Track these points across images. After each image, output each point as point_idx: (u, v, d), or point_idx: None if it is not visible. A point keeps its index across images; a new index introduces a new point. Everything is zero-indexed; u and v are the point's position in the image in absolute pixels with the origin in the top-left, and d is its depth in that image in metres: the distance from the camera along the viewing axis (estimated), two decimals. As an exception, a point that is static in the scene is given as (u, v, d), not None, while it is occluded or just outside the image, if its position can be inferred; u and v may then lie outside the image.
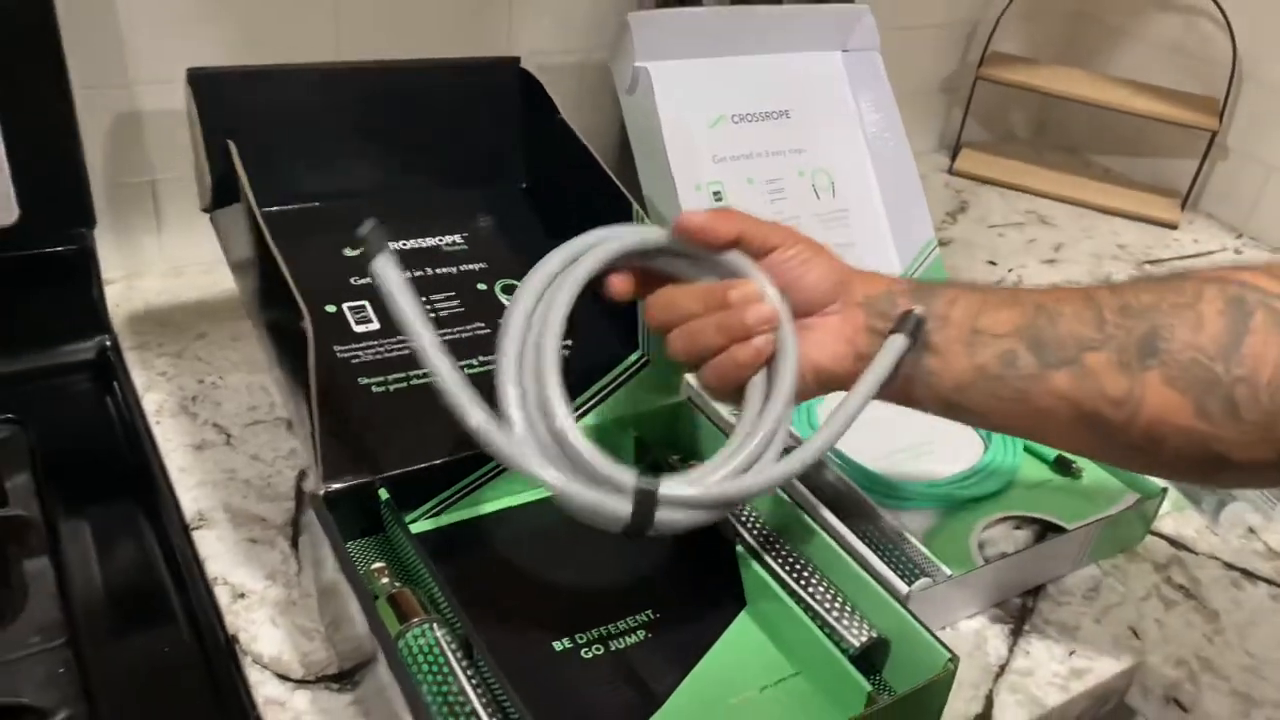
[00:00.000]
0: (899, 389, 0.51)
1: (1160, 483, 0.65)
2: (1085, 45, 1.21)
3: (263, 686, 0.50)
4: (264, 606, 0.54)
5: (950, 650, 0.47)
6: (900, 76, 1.05)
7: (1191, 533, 0.67)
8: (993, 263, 0.99)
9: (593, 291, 0.60)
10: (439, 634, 0.45)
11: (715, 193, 0.71)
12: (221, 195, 0.58)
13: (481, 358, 0.60)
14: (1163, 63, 1.13)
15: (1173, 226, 1.09)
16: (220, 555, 0.57)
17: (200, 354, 0.72)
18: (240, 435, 0.66)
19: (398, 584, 0.49)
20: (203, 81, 0.58)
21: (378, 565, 0.50)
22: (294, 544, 0.58)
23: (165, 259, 0.80)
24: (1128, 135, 1.17)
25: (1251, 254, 1.07)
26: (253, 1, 0.74)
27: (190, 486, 0.61)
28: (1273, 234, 1.08)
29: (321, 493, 0.51)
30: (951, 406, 0.51)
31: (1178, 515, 0.68)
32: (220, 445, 0.65)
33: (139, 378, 0.69)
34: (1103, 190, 1.14)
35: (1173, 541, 0.67)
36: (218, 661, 0.52)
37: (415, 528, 0.55)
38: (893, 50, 0.98)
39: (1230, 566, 0.65)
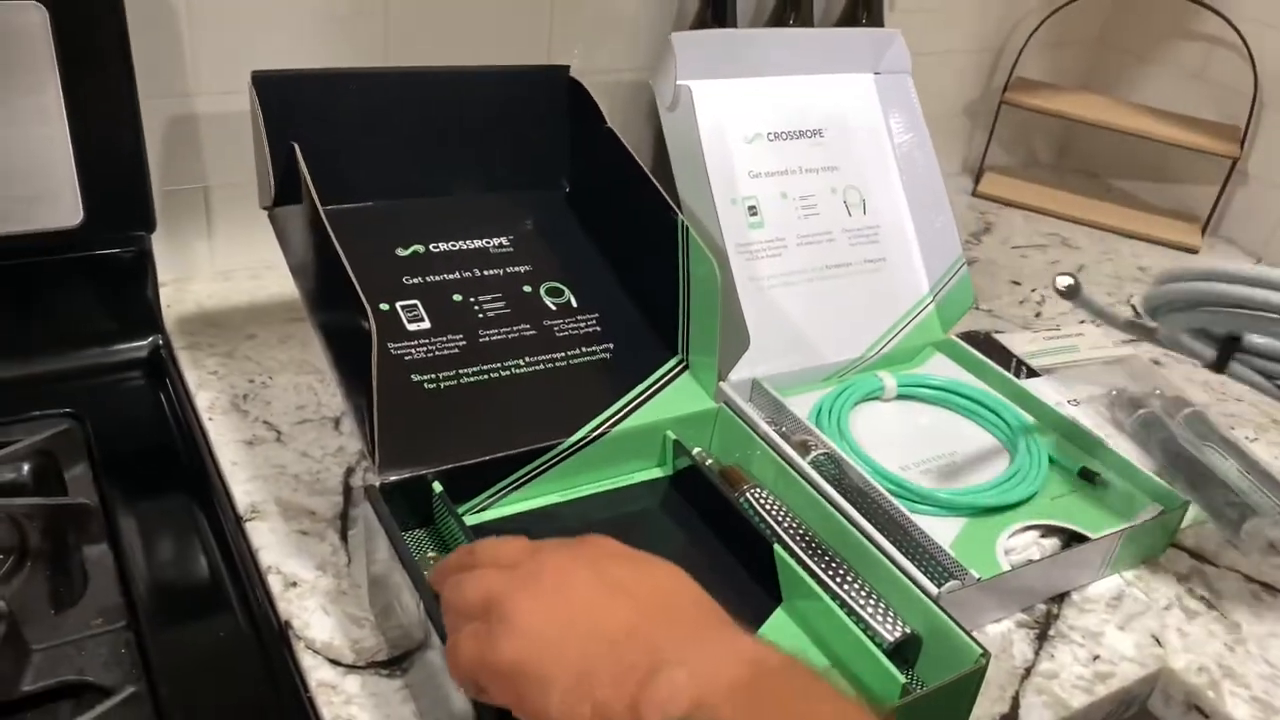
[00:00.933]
0: None
1: (1181, 495, 0.66)
2: (1108, 72, 1.23)
3: (316, 671, 0.52)
4: (315, 595, 0.56)
5: (982, 646, 0.48)
6: (925, 101, 1.07)
7: (1213, 546, 0.69)
8: (1016, 283, 1.00)
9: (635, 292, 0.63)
10: None
11: (750, 207, 0.73)
12: (283, 195, 0.60)
13: (528, 358, 0.62)
14: (1185, 90, 1.15)
15: (1193, 251, 1.11)
16: (272, 546, 0.59)
17: (250, 354, 0.75)
18: (290, 432, 0.68)
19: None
20: (266, 84, 0.60)
21: (431, 554, 0.53)
22: (343, 536, 0.60)
23: (215, 263, 0.83)
24: (1149, 161, 1.19)
25: (1271, 279, 1.08)
26: (306, 13, 0.77)
27: (242, 480, 0.64)
28: (1292, 260, 1.10)
29: (378, 484, 0.53)
30: None
31: (1199, 528, 0.70)
32: (271, 442, 0.67)
33: (191, 376, 0.72)
34: (1124, 214, 1.16)
35: (1194, 554, 0.68)
36: (272, 646, 0.54)
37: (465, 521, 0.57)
38: (918, 75, 1.00)
39: (1250, 579, 0.67)
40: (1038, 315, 0.95)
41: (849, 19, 0.94)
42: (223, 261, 0.83)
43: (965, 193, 1.18)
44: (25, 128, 0.62)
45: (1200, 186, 1.15)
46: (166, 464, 0.66)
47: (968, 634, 0.49)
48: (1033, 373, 0.84)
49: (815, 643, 0.53)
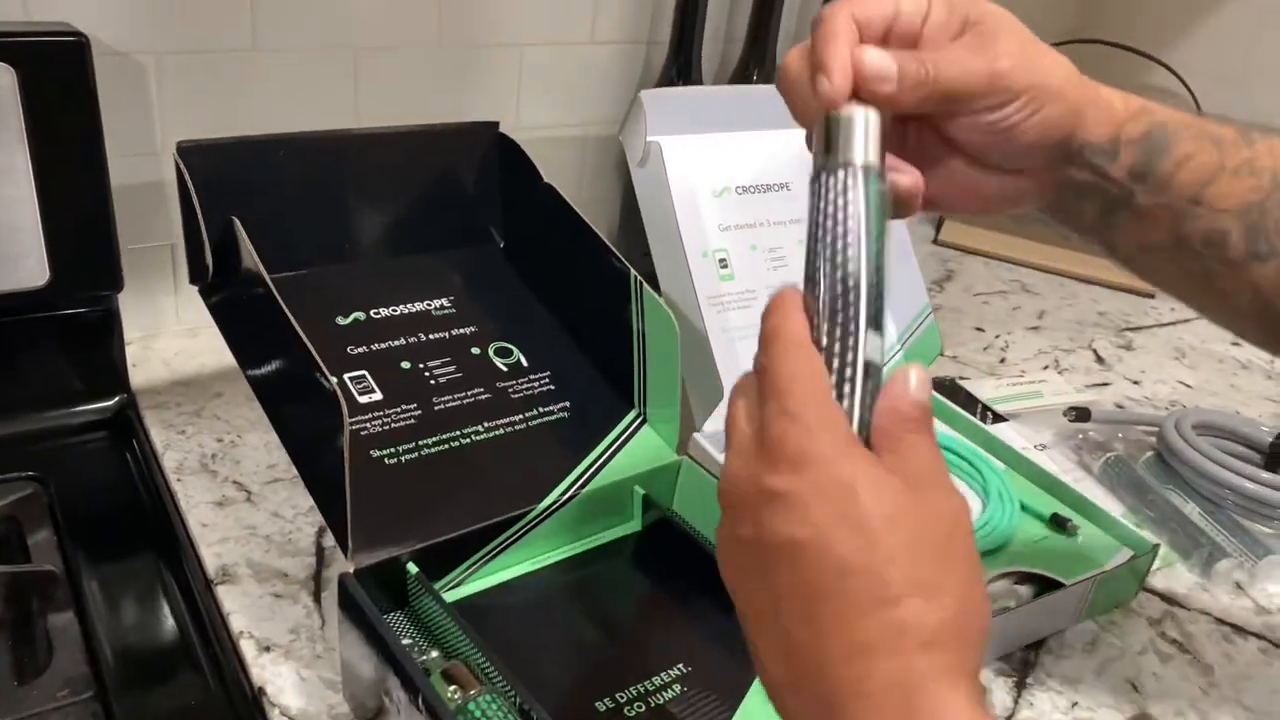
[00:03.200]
0: (1071, 220, 0.48)
1: (1152, 539, 0.67)
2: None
3: (291, 738, 0.51)
4: (290, 660, 0.55)
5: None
6: (887, 151, 1.10)
7: (1183, 589, 0.70)
8: (980, 329, 1.02)
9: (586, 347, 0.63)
10: (497, 703, 0.46)
11: (721, 259, 0.74)
12: (219, 267, 0.59)
13: (486, 424, 0.61)
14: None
15: (1150, 295, 1.14)
16: (245, 610, 0.58)
17: (218, 413, 0.74)
18: (260, 492, 0.67)
19: (446, 658, 0.50)
20: (191, 153, 0.58)
21: (406, 641, 0.51)
22: (317, 599, 0.59)
23: (181, 319, 0.82)
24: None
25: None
26: (277, 74, 0.77)
27: (212, 542, 0.62)
28: (1245, 303, 1.13)
29: (353, 569, 0.51)
30: (1122, 259, 0.48)
31: (1168, 571, 0.71)
32: (241, 502, 0.66)
33: (158, 436, 0.71)
34: (1083, 260, 1.18)
35: (1165, 597, 0.69)
36: (245, 713, 0.53)
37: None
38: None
39: (1221, 622, 0.67)
40: (1002, 361, 0.96)
41: (811, 74, 0.96)
42: (190, 318, 0.82)
43: (927, 241, 1.20)
44: (-9, 189, 0.62)
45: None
46: (134, 527, 0.64)
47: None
48: (999, 418, 0.86)
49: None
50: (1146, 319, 1.09)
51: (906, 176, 0.42)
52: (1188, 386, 0.96)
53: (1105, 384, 0.95)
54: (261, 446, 0.71)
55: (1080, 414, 0.85)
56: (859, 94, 0.40)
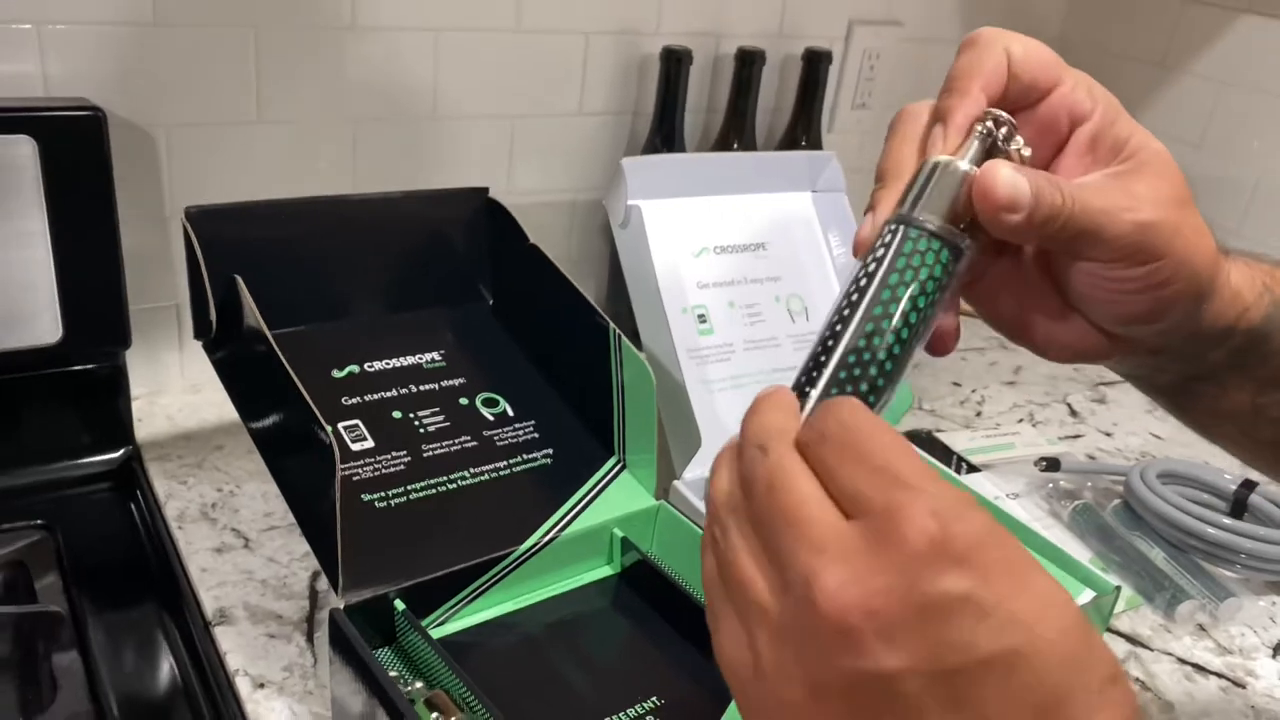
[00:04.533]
0: (1142, 382, 0.44)
1: (1114, 580, 0.70)
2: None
3: (282, 769, 0.54)
4: (283, 696, 0.58)
5: None
6: (867, 214, 1.14)
7: (1147, 630, 0.72)
8: (957, 384, 1.05)
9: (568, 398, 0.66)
10: None
11: (700, 315, 0.78)
12: (222, 324, 0.62)
13: (472, 469, 0.64)
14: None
15: (1124, 351, 1.17)
16: (241, 649, 0.61)
17: (219, 464, 0.77)
18: (257, 539, 0.70)
19: (429, 687, 0.53)
20: (199, 218, 0.62)
21: (393, 674, 0.54)
22: (309, 638, 0.62)
23: (186, 377, 0.86)
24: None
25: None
26: (280, 144, 0.82)
27: (211, 586, 0.65)
28: (1216, 358, 1.16)
29: (343, 605, 0.54)
30: (1194, 424, 0.46)
31: (1133, 614, 0.73)
32: (239, 548, 0.69)
33: (161, 486, 0.74)
34: (1058, 318, 1.22)
35: (1129, 638, 0.71)
36: (239, 747, 0.55)
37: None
38: (862, 190, 1.07)
39: (1183, 661, 0.70)
40: (978, 415, 1.00)
41: (789, 143, 1.01)
42: (193, 375, 0.86)
43: (908, 300, 1.24)
44: (10, 251, 0.66)
45: (1127, 291, 1.22)
46: (136, 572, 0.67)
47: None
48: (973, 468, 0.89)
49: None
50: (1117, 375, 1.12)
51: (949, 319, 0.37)
52: (1158, 438, 0.99)
53: (1078, 436, 0.98)
54: (259, 496, 0.74)
55: (1051, 464, 0.88)
56: (979, 217, 0.35)
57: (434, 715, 0.49)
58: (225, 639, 0.61)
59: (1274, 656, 0.71)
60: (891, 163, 0.38)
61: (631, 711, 0.54)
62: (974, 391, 1.04)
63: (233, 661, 0.60)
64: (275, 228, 0.67)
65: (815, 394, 0.34)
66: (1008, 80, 0.37)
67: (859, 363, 0.35)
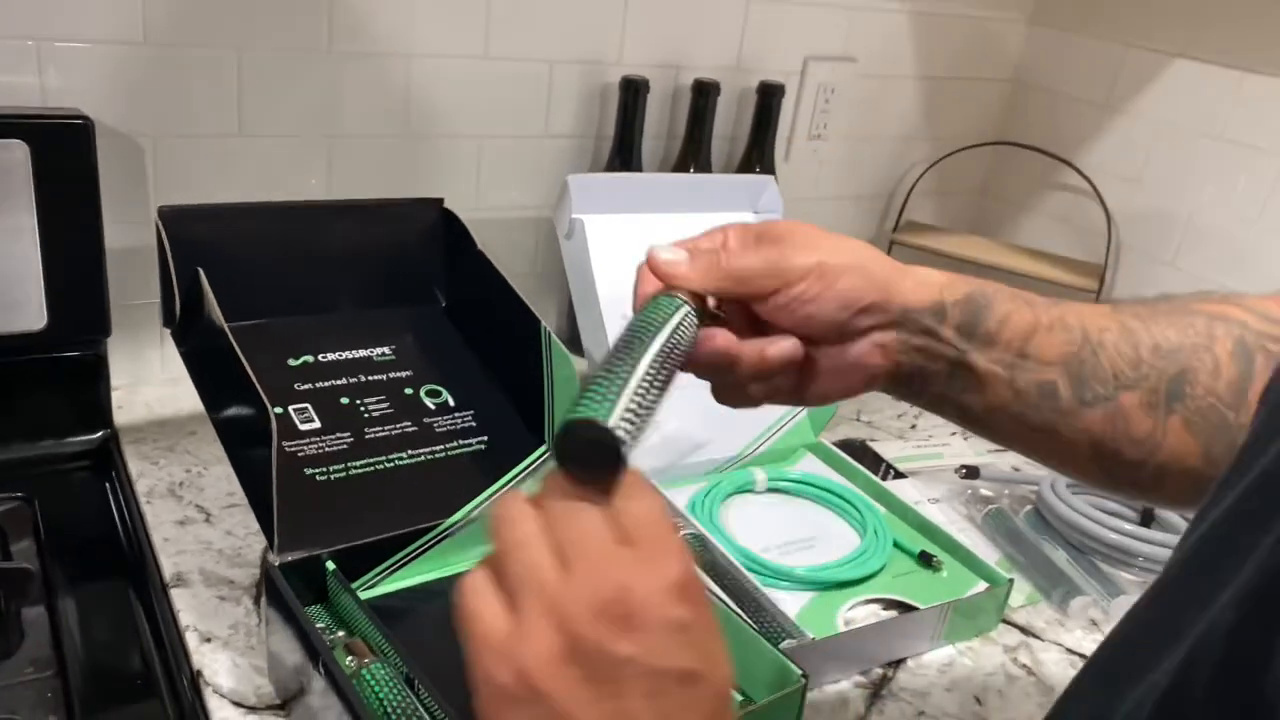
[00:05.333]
0: (922, 394, 0.52)
1: (1006, 574, 0.75)
2: (990, 217, 1.37)
3: (220, 711, 0.59)
4: (227, 650, 0.64)
5: (802, 669, 0.57)
6: (824, 239, 1.21)
7: (1041, 623, 0.77)
8: (899, 400, 1.11)
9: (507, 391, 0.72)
10: (387, 671, 0.55)
11: (637, 322, 0.84)
12: (186, 314, 0.69)
13: (410, 451, 0.70)
14: (1054, 232, 1.29)
15: (1067, 375, 1.23)
16: (193, 609, 0.67)
17: (189, 448, 0.83)
18: (219, 515, 0.76)
19: (349, 635, 0.59)
20: (170, 217, 0.69)
21: (321, 625, 0.60)
22: (257, 601, 0.68)
23: (166, 370, 0.92)
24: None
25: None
26: (259, 156, 0.89)
27: (171, 554, 0.71)
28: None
29: (278, 563, 0.60)
30: (975, 423, 0.51)
31: (1031, 608, 0.79)
32: (200, 522, 0.75)
33: (134, 466, 0.80)
34: (1005, 342, 1.27)
35: (1023, 630, 0.76)
36: (183, 692, 0.61)
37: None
38: (820, 216, 1.13)
39: (1070, 651, 0.75)
40: (913, 427, 1.05)
41: (744, 170, 1.08)
42: (172, 369, 0.92)
43: (864, 322, 1.30)
44: (1, 244, 0.72)
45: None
46: (105, 540, 0.74)
47: (793, 661, 0.57)
48: (900, 475, 0.94)
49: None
50: (1059, 395, 1.18)
51: (784, 342, 0.49)
52: (1086, 455, 1.05)
53: (1003, 450, 1.03)
54: (224, 478, 0.80)
55: (970, 472, 0.93)
56: (668, 285, 0.49)
57: (349, 659, 0.55)
58: (180, 600, 0.67)
59: (1159, 651, 0.76)
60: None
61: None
62: (911, 406, 1.10)
63: (184, 619, 0.66)
64: (242, 228, 0.74)
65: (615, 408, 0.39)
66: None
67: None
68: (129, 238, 0.85)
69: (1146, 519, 0.88)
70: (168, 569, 0.70)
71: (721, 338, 0.49)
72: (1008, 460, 1.01)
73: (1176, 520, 0.86)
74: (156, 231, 0.68)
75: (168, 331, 0.90)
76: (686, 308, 0.47)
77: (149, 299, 0.89)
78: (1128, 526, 0.84)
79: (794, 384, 0.52)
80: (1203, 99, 1.13)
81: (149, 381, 0.92)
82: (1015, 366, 0.49)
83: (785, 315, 0.49)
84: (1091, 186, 1.20)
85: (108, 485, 0.79)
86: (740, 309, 0.51)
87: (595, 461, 0.37)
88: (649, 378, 0.41)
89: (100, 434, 0.82)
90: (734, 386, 0.51)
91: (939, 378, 0.50)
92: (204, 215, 0.72)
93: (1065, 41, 1.27)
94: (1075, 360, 0.49)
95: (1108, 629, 0.78)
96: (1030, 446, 0.52)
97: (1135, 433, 0.48)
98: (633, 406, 0.39)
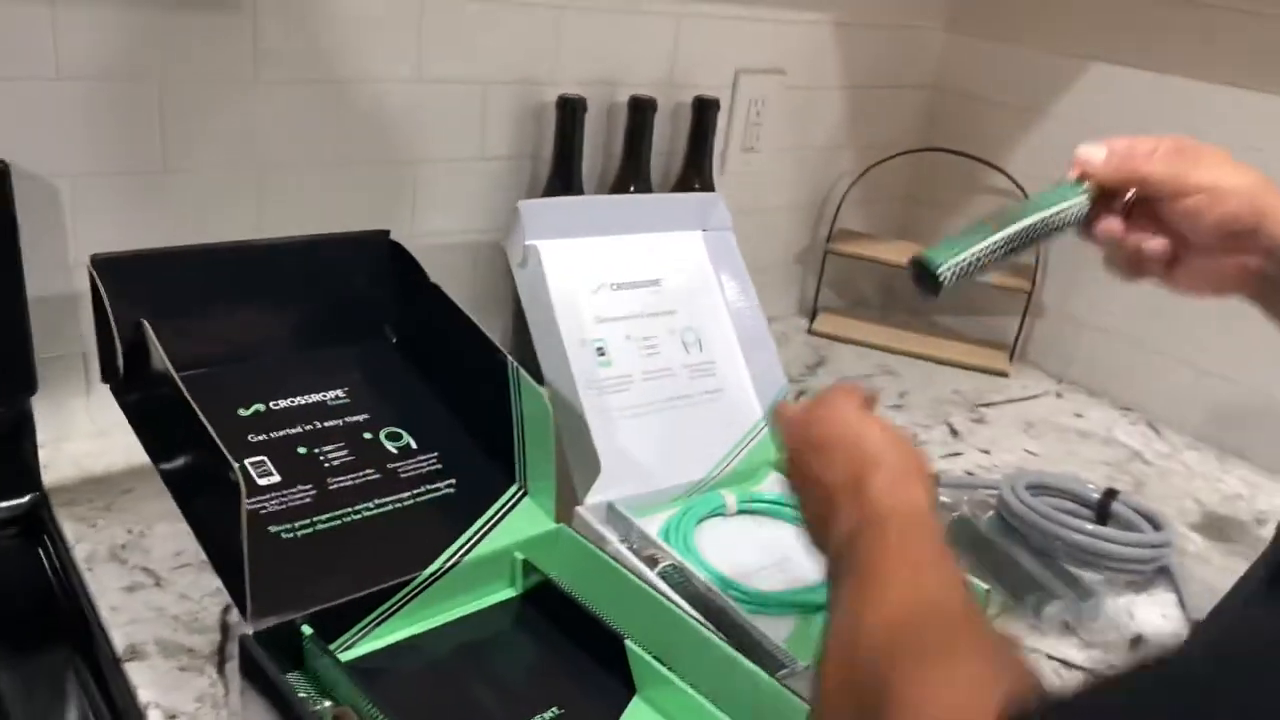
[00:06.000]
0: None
1: (983, 585, 0.75)
2: (919, 222, 1.39)
3: (196, 795, 0.55)
4: (195, 726, 0.60)
5: (802, 697, 0.55)
6: (763, 250, 1.20)
7: (1019, 631, 0.78)
8: (848, 409, 1.11)
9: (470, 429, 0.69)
10: None
11: (599, 348, 0.82)
12: (130, 368, 0.64)
13: (376, 501, 0.67)
14: (982, 236, 1.32)
15: (1003, 375, 1.25)
16: (152, 683, 0.62)
17: (128, 507, 0.78)
18: (169, 577, 0.71)
19: (335, 703, 0.55)
20: (104, 265, 0.65)
21: (301, 695, 0.57)
22: (220, 670, 0.64)
23: (94, 422, 0.86)
24: (962, 297, 1.34)
25: (1071, 398, 1.22)
26: (186, 193, 0.84)
27: (122, 624, 0.67)
28: (1088, 380, 1.25)
29: (252, 631, 0.57)
30: None
31: (1007, 617, 0.79)
32: (150, 587, 0.70)
33: (70, 530, 0.75)
34: (941, 345, 1.29)
35: (1002, 637, 0.77)
36: (152, 777, 0.57)
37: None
38: (754, 229, 1.13)
39: (1050, 657, 0.76)
40: (866, 437, 1.05)
41: (683, 185, 1.07)
42: (101, 420, 0.87)
43: (802, 331, 1.30)
44: (-86, 301, 0.67)
45: (1006, 318, 1.30)
46: (45, 614, 0.68)
47: (796, 694, 0.56)
48: (861, 487, 0.94)
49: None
50: (998, 396, 1.20)
51: (1156, 242, 0.61)
52: (1032, 454, 1.07)
53: (958, 454, 1.04)
54: (170, 536, 0.75)
55: (930, 480, 0.94)
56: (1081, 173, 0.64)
57: (341, 729, 0.52)
58: (137, 674, 0.63)
59: (1132, 649, 0.77)
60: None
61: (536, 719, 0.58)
62: (863, 416, 1.10)
63: (144, 695, 0.61)
64: (180, 273, 0.70)
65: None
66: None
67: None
68: (47, 286, 0.79)
69: (1102, 516, 0.89)
70: (119, 641, 0.65)
71: (1112, 224, 0.62)
72: (959, 464, 1.02)
73: (1133, 517, 0.88)
74: (91, 281, 0.64)
75: (94, 381, 0.86)
76: (1082, 197, 0.63)
77: (71, 349, 0.84)
78: (1089, 526, 0.85)
79: (1165, 273, 0.63)
80: (1119, 100, 1.17)
81: (73, 436, 0.86)
82: None
83: (1176, 219, 0.60)
84: (1018, 187, 1.23)
85: (42, 552, 0.74)
86: (1146, 205, 0.62)
87: (924, 286, 0.63)
88: (1000, 245, 0.63)
89: (29, 497, 0.77)
90: (1119, 263, 0.64)
91: None
92: (138, 261, 0.67)
93: (982, 48, 1.30)
94: None
95: (1082, 633, 0.79)
96: None
97: None
98: (965, 260, 0.62)
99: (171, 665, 0.64)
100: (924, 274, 0.62)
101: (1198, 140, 0.62)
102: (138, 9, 0.78)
